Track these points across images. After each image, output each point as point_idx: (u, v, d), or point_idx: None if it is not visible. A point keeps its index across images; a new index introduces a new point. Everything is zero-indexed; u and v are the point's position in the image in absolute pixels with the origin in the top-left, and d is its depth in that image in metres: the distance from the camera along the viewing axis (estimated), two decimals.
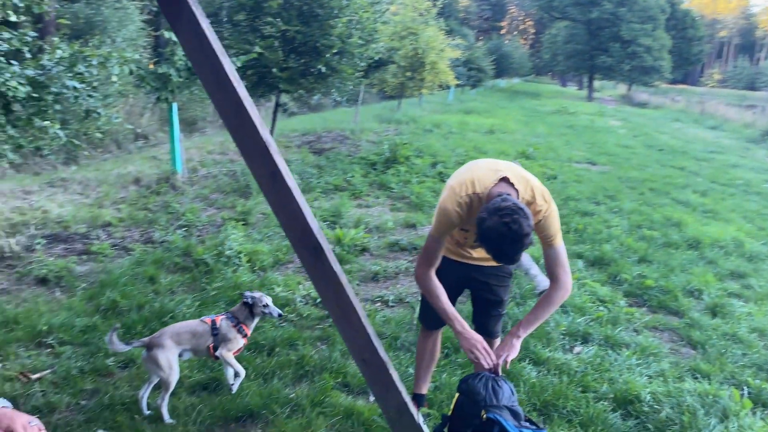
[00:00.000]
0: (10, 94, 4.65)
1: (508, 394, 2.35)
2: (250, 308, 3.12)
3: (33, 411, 3.01)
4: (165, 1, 2.44)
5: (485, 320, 2.88)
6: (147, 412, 3.01)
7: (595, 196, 8.57)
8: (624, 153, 13.54)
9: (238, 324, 3.09)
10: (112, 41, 15.45)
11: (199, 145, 11.93)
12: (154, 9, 18.93)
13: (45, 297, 4.41)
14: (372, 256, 5.60)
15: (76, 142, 5.61)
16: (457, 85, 26.63)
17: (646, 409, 3.24)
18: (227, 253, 5.06)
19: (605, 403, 3.27)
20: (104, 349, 3.59)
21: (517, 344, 2.57)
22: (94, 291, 4.45)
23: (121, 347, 2.97)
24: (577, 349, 3.90)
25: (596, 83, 44.99)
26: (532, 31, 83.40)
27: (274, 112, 11.26)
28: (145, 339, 3.05)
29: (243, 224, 6.28)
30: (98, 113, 5.75)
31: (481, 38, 58.07)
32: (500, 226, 2.15)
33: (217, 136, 14.34)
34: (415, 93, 19.30)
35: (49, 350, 3.64)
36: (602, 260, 5.71)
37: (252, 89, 10.55)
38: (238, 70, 9.70)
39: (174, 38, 7.39)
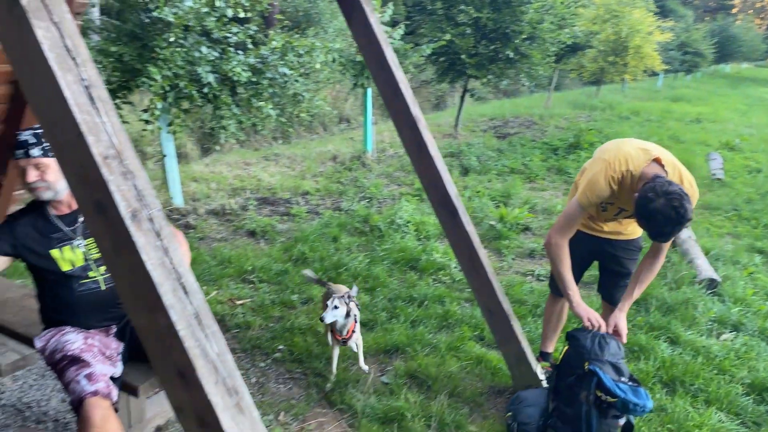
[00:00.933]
0: (236, 78, 5.69)
1: (614, 351, 2.55)
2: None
3: (234, 327, 3.86)
4: (341, 2, 3.01)
5: (612, 291, 3.05)
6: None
7: None
8: None
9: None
10: (325, 32, 17.08)
11: (392, 128, 12.84)
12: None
13: (252, 246, 5.39)
14: (533, 235, 5.82)
15: (283, 120, 6.60)
16: (667, 71, 24.65)
17: None
18: (398, 221, 5.68)
19: (738, 386, 3.22)
20: (292, 288, 4.39)
21: (624, 319, 2.77)
22: (289, 244, 5.34)
23: (311, 276, 3.64)
24: (724, 336, 3.80)
25: None
26: None
27: (462, 97, 11.71)
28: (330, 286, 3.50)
29: (417, 199, 6.87)
30: (303, 96, 6.69)
31: (706, 18, 52.44)
32: (668, 209, 2.29)
33: (430, 117, 15.17)
34: (616, 79, 18.40)
35: (251, 285, 4.53)
36: None
37: (441, 74, 11.14)
38: (429, 56, 10.32)
39: None
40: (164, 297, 1.36)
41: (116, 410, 2.17)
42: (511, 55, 10.10)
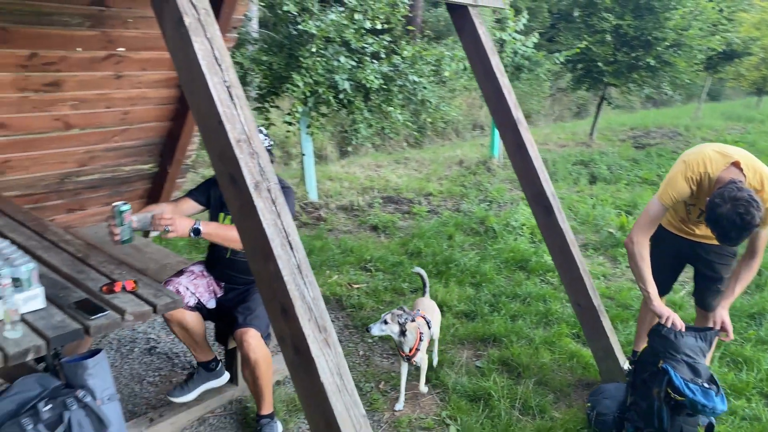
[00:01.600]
0: (368, 85, 6.19)
1: (691, 351, 2.59)
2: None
3: (350, 307, 4.29)
4: (454, 13, 3.32)
5: (704, 295, 3.05)
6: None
7: None
8: None
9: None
10: None
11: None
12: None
13: (373, 239, 5.84)
14: None
15: (410, 124, 7.01)
16: None
17: None
18: (513, 224, 5.84)
19: None
20: (404, 277, 4.75)
21: (727, 315, 2.78)
22: (406, 239, 5.71)
23: (422, 274, 3.72)
24: None
25: None
26: None
27: (598, 105, 11.45)
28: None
29: None
30: (430, 102, 7.06)
31: None
32: (733, 215, 2.36)
33: (546, 128, 15.04)
34: None
35: (368, 273, 4.95)
36: None
37: (577, 82, 10.99)
38: (565, 64, 10.24)
39: (504, 37, 8.38)
40: (275, 249, 1.76)
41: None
42: (653, 62, 9.75)
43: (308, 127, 6.22)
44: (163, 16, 1.90)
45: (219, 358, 3.09)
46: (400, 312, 3.06)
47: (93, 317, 2.16)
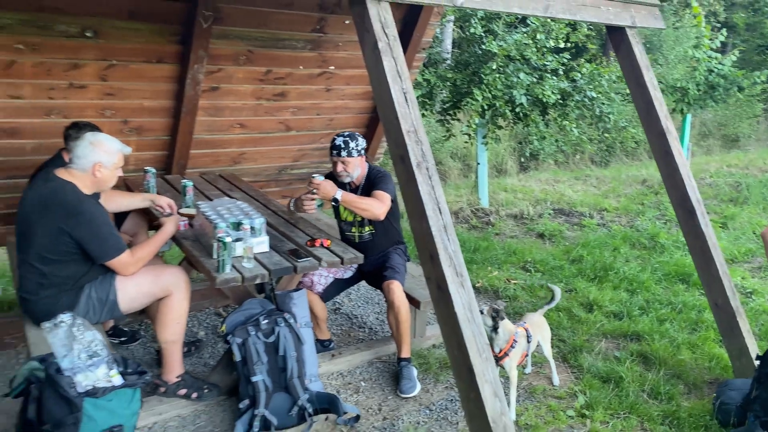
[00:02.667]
0: (545, 100, 6.59)
1: None
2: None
3: (505, 298, 4.76)
4: (612, 34, 3.70)
5: None
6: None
7: None
8: None
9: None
10: (665, 59, 16.67)
11: (716, 157, 12.12)
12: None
13: (538, 245, 6.21)
14: None
15: (584, 139, 7.24)
16: None
17: None
18: (683, 240, 5.81)
19: None
20: (561, 278, 5.10)
21: None
22: (570, 247, 6.00)
23: (554, 287, 3.71)
24: None
25: None
26: None
27: None
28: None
29: (720, 226, 6.74)
30: (608, 118, 7.22)
31: None
32: None
33: (753, 153, 13.88)
34: None
35: (527, 272, 5.37)
36: None
37: None
38: None
39: (697, 55, 8.18)
40: (427, 211, 2.38)
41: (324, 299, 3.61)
42: None
43: (484, 137, 6.79)
44: (364, 41, 2.62)
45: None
46: (498, 308, 3.08)
47: (300, 260, 2.96)
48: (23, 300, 2.77)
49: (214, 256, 2.83)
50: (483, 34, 6.63)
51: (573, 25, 6.84)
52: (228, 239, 2.77)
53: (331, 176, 3.57)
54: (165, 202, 3.37)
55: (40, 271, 2.67)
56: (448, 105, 7.04)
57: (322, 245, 3.18)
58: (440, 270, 2.35)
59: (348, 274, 3.71)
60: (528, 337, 3.23)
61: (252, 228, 3.02)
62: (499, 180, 9.74)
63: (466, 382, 2.33)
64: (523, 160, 11.68)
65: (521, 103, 6.50)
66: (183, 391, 3.12)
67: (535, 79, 6.68)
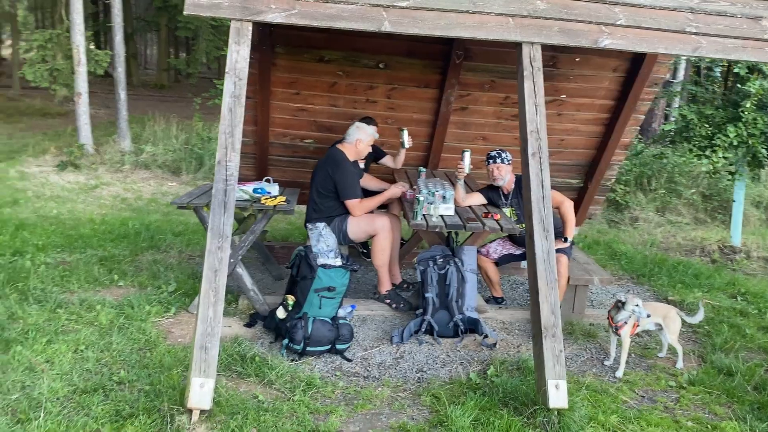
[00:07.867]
0: None
1: None
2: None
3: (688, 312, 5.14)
4: None
5: None
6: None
7: None
8: None
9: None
10: None
11: None
12: None
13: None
14: None
15: None
16: None
17: None
18: None
19: None
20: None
21: None
22: None
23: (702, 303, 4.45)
24: None
25: None
26: None
27: None
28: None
29: None
30: None
31: None
32: None
33: None
34: None
35: (731, 299, 5.51)
36: None
37: None
38: None
39: None
40: (532, 186, 3.48)
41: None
42: None
43: (731, 174, 6.85)
44: (519, 68, 3.79)
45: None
46: (632, 297, 3.87)
47: (470, 223, 4.27)
48: (306, 220, 4.69)
49: (414, 209, 4.33)
50: (745, 74, 6.73)
51: None
52: (421, 198, 4.24)
53: (487, 189, 4.86)
54: (400, 186, 4.96)
55: (314, 202, 4.55)
56: (704, 142, 7.23)
57: (492, 217, 4.41)
58: (531, 225, 3.42)
59: (519, 251, 4.81)
60: (646, 316, 3.84)
61: (443, 197, 4.43)
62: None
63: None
64: None
65: None
66: (388, 301, 4.68)
67: None
